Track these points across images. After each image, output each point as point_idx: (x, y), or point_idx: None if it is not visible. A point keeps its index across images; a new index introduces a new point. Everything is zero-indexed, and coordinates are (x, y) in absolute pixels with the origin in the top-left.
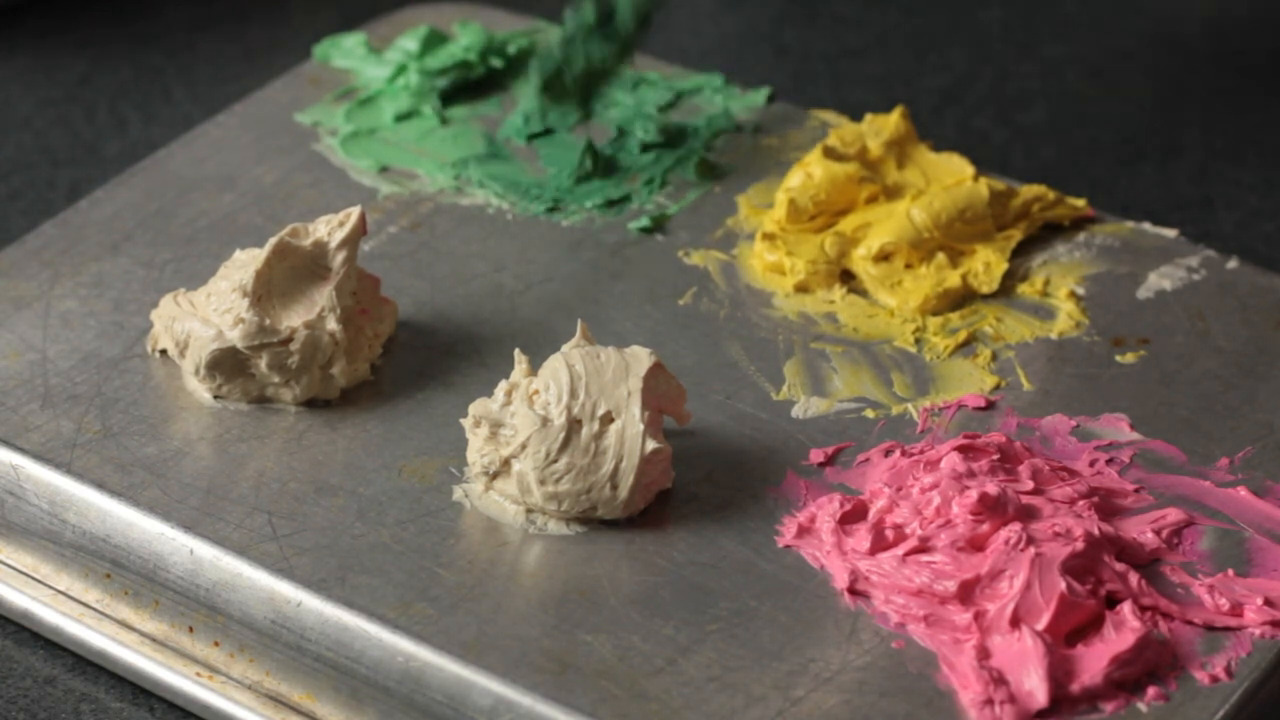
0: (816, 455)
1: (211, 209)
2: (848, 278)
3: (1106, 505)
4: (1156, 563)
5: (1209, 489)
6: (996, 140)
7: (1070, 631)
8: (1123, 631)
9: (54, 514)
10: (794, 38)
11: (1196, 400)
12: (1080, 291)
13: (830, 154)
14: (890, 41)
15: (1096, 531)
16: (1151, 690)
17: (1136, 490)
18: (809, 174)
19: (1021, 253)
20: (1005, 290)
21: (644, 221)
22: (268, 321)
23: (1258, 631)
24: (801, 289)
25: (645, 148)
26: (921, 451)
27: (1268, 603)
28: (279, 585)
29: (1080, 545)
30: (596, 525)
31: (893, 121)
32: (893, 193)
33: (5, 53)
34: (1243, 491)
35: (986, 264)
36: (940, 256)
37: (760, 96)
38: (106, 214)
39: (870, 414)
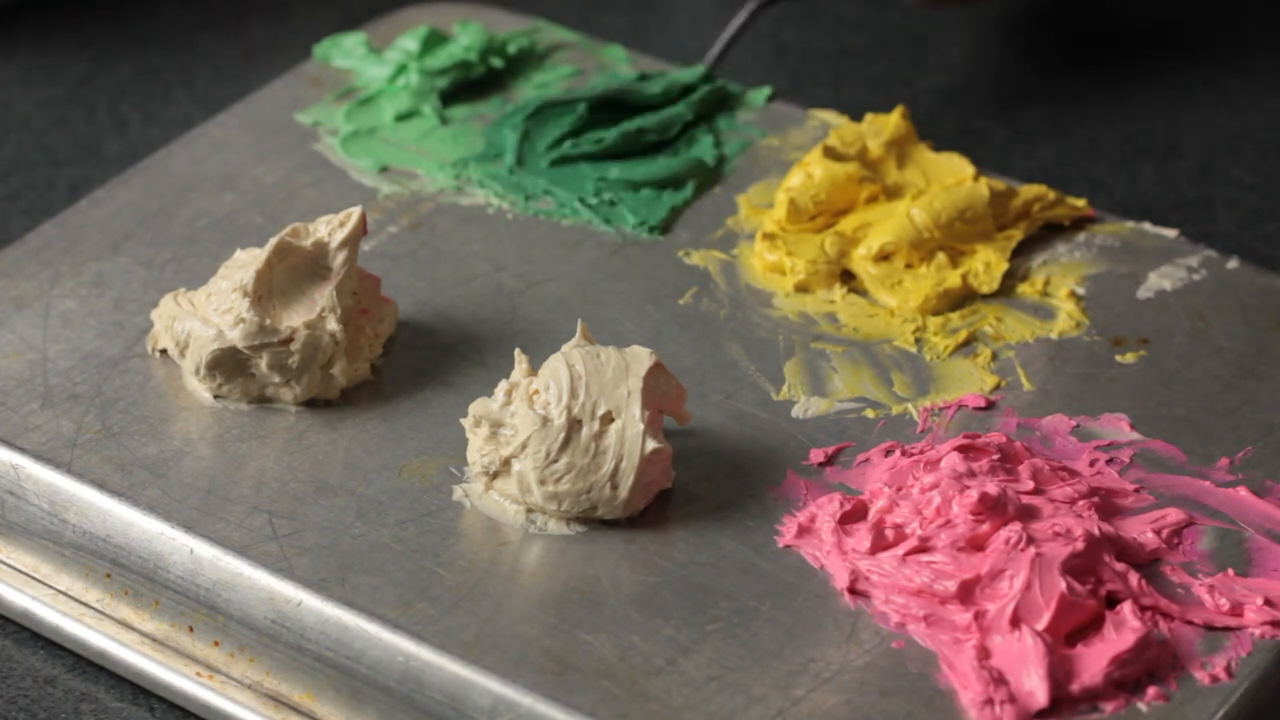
0: (816, 455)
1: (211, 209)
2: (848, 278)
3: (1106, 505)
4: (1156, 563)
5: (1209, 489)
6: (996, 140)
7: (1070, 631)
8: (1123, 631)
9: (54, 514)
10: (794, 38)
11: (1196, 400)
12: (1080, 291)
13: (830, 154)
14: (890, 41)
15: (1096, 531)
16: (1151, 690)
17: (1136, 490)
18: (809, 174)
19: (1021, 253)
20: (1005, 290)
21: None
22: (268, 321)
23: (1258, 631)
24: (801, 289)
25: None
26: (921, 451)
27: (1268, 603)
28: (279, 585)
29: (1080, 545)
30: (596, 525)
31: (893, 121)
32: (893, 193)
33: (5, 53)
34: (1243, 491)
35: (987, 264)
36: (940, 256)
37: (760, 96)
38: (106, 214)
39: (870, 414)
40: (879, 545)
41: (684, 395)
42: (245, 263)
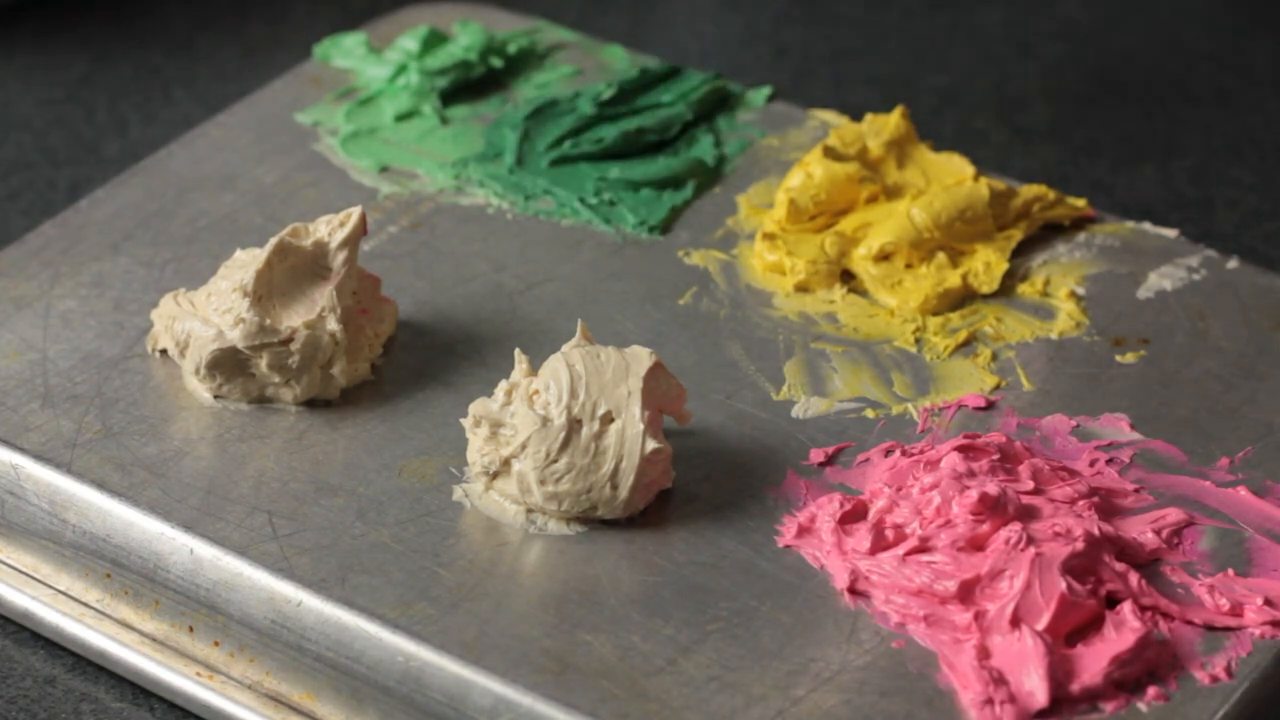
0: (816, 455)
1: (211, 209)
2: (848, 278)
3: (1106, 505)
4: (1156, 563)
5: (1209, 489)
6: (996, 140)
7: (1070, 631)
8: (1123, 631)
9: (54, 514)
10: (794, 38)
11: (1196, 400)
12: (1080, 291)
13: (830, 154)
14: (890, 41)
15: (1096, 531)
16: (1151, 690)
17: (1136, 490)
18: (809, 174)
19: (1021, 253)
20: (1005, 290)
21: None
22: (268, 321)
23: (1258, 631)
24: (802, 289)
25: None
26: (921, 451)
27: (1268, 603)
28: (279, 585)
29: (1080, 545)
30: (596, 525)
31: (893, 121)
32: (893, 193)
33: (5, 53)
34: (1243, 491)
35: (987, 264)
36: (940, 256)
37: (760, 96)
38: (106, 214)
39: (870, 414)
40: (879, 545)
41: (684, 395)
42: (245, 263)
